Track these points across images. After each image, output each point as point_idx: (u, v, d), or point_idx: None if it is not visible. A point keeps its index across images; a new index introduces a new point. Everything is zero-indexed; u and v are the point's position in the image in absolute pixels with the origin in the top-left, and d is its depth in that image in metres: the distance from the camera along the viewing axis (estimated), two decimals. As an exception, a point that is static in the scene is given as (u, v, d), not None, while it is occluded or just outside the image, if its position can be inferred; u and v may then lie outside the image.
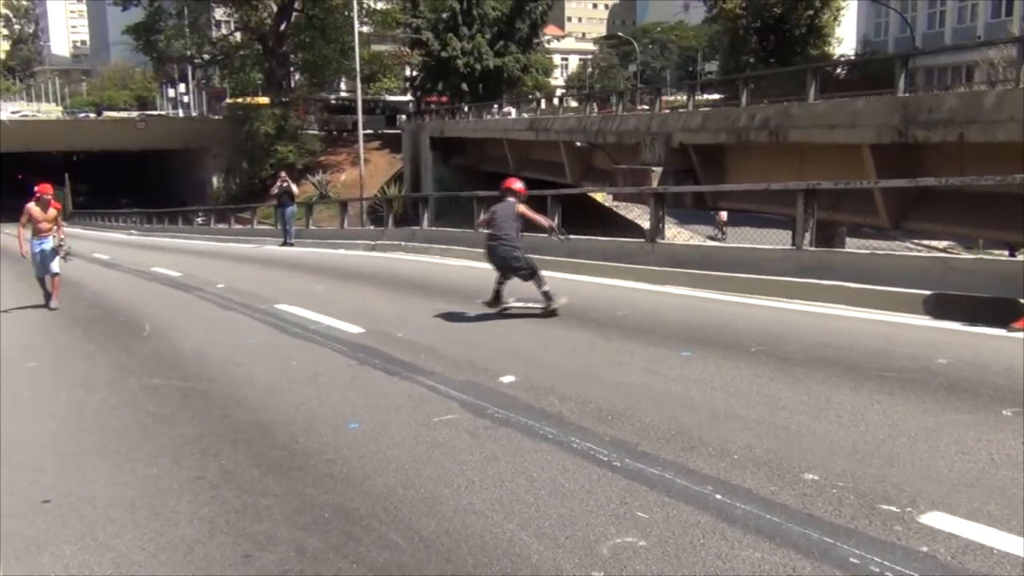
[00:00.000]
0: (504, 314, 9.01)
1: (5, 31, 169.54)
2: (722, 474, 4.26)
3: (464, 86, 51.19)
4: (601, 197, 35.04)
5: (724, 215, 31.08)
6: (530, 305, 8.96)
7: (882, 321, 7.76)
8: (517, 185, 9.32)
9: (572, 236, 13.35)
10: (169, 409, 6.23)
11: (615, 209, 37.72)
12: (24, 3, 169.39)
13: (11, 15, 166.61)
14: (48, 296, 12.22)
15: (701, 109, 23.55)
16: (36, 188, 11.92)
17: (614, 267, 11.87)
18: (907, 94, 15.82)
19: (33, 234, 11.87)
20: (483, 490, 4.30)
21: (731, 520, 3.77)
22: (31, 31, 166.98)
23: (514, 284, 9.04)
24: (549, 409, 5.49)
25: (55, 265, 12.06)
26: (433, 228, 18.33)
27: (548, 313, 8.68)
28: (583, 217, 17.99)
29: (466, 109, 43.96)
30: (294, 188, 23.74)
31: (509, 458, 4.70)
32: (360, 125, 42.02)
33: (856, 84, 30.90)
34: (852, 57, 46.94)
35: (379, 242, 19.35)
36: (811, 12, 47.86)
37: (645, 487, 4.18)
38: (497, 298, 9.03)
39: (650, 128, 22.87)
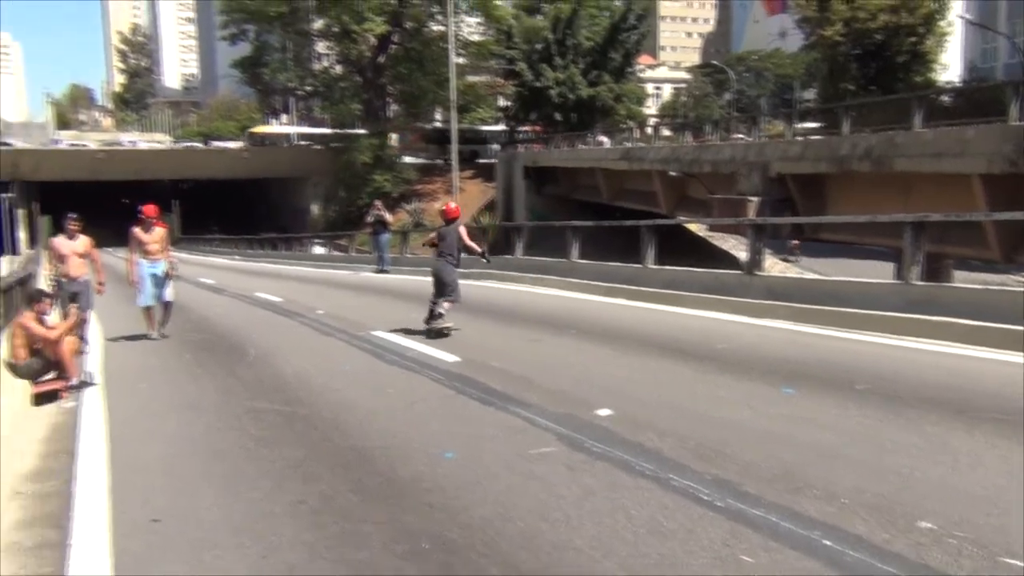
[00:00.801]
0: (598, 345, 8.96)
1: (122, 65, 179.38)
2: (830, 519, 4.10)
3: (557, 115, 51.58)
4: (695, 226, 34.67)
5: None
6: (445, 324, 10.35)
7: (996, 360, 7.41)
8: (452, 205, 11.31)
9: (666, 267, 13.24)
10: (272, 433, 6.37)
11: (709, 239, 37.27)
12: (139, 39, 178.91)
13: (128, 50, 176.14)
14: (152, 326, 11.82)
15: (799, 138, 23.10)
16: (140, 209, 11.81)
17: (711, 299, 11.68)
18: (1020, 122, 15.18)
19: (142, 256, 11.66)
20: (581, 526, 4.24)
21: (841, 568, 3.62)
22: (145, 65, 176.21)
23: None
24: (647, 444, 5.40)
25: (168, 292, 11.87)
26: (526, 257, 18.40)
27: (435, 331, 10.16)
28: (678, 247, 17.79)
29: (559, 139, 44.21)
30: (388, 216, 24.26)
31: (607, 494, 4.63)
32: (455, 154, 42.69)
33: (962, 112, 29.84)
34: (958, 84, 45.39)
35: (473, 269, 19.49)
36: (914, 39, 46.57)
37: (749, 529, 4.06)
38: (432, 315, 10.39)
39: (746, 157, 22.54)
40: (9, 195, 52.73)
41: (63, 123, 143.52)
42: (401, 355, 9.17)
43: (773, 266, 27.18)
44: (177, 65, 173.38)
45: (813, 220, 17.50)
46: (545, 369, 7.97)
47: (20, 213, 53.38)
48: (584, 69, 51.78)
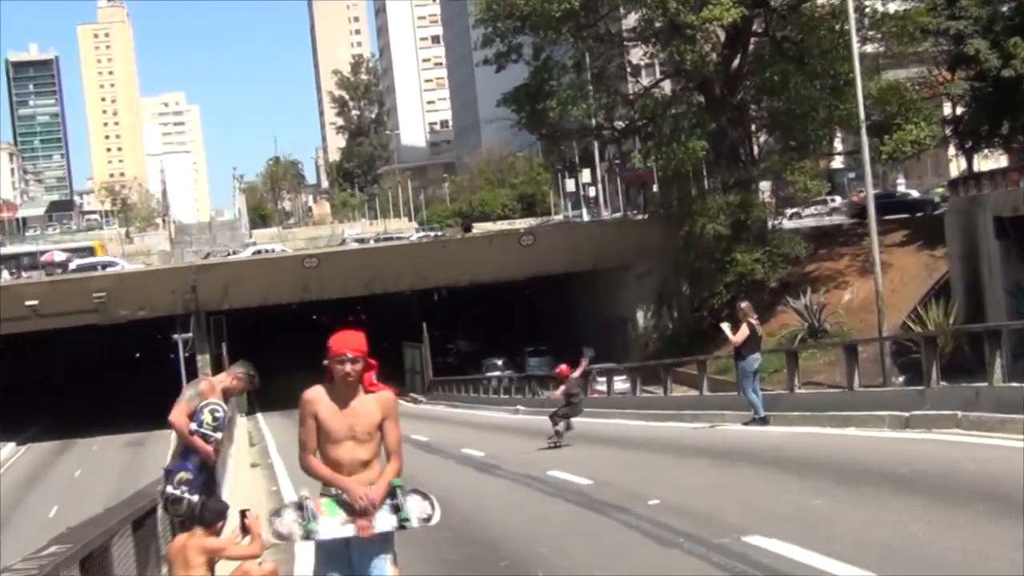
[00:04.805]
0: None
1: (340, 120, 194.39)
2: None
3: (1049, 122, 49.41)
4: None
5: None
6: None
7: None
8: (562, 367, 26.85)
9: None
10: None
11: None
12: (364, 78, 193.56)
13: (348, 97, 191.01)
14: None
15: None
16: (330, 345, 7.04)
17: None
18: None
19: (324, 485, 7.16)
20: None
21: None
22: (373, 116, 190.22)
23: None
24: None
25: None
26: (1012, 385, 17.31)
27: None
28: None
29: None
30: (746, 331, 22.81)
31: None
32: (871, 207, 41.74)
33: None
34: None
35: (915, 413, 18.70)
36: None
37: None
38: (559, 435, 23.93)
39: None
40: (186, 335, 58.47)
41: (260, 216, 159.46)
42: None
43: None
44: (420, 111, 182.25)
45: None
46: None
47: (203, 360, 58.75)
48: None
